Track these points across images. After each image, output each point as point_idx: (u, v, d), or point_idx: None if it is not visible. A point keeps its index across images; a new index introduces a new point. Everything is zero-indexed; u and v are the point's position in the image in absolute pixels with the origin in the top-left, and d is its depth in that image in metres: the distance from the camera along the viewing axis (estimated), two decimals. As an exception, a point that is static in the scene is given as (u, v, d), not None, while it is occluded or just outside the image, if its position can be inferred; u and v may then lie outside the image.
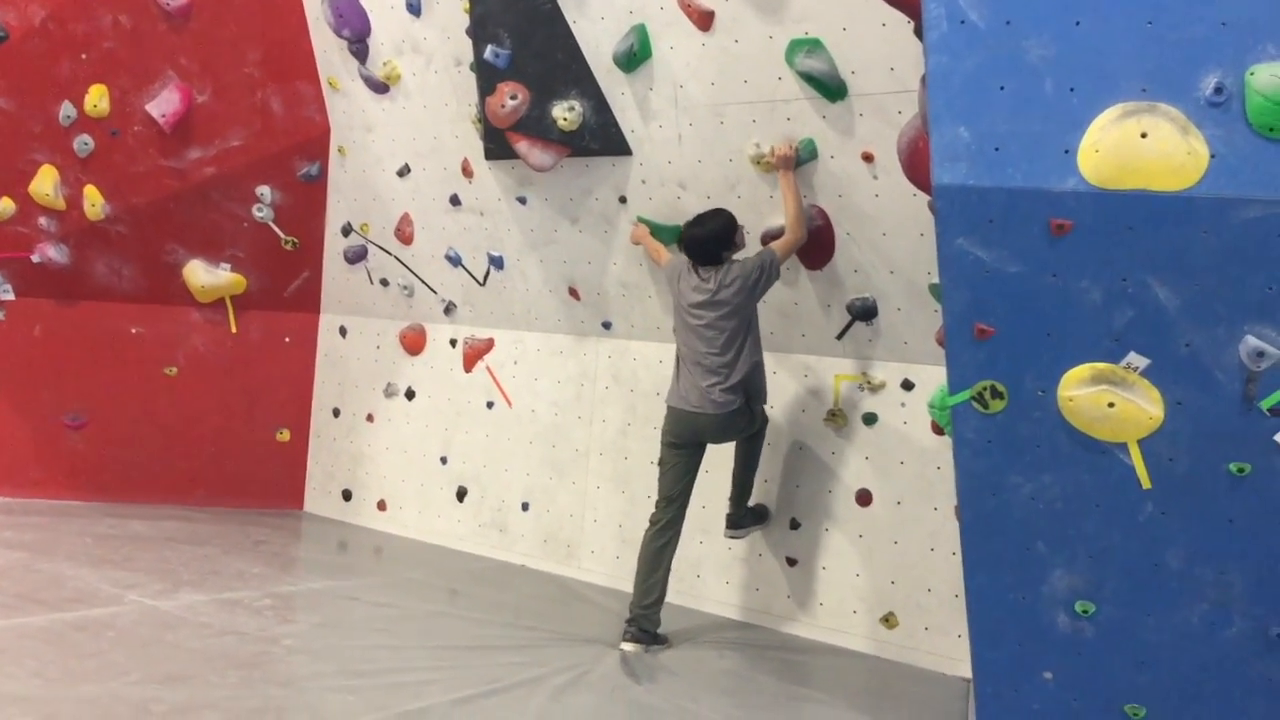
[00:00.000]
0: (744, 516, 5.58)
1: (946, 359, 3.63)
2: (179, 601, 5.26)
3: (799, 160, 5.26)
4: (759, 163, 5.36)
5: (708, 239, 5.24)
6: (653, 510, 5.37)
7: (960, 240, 3.47)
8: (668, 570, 5.27)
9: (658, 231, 5.88)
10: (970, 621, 3.84)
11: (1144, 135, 3.24)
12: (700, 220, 5.33)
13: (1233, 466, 3.37)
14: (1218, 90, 3.18)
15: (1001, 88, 3.40)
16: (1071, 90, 3.33)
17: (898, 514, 5.34)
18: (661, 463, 5.38)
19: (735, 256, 5.27)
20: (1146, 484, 3.47)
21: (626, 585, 6.13)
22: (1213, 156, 3.19)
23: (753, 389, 5.29)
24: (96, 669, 4.24)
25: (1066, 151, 3.33)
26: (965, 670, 4.71)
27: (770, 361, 5.69)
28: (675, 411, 5.31)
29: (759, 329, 5.33)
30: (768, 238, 5.51)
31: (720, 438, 5.35)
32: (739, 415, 5.26)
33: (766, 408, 5.54)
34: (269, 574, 5.99)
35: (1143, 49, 3.26)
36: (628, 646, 5.17)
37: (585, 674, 4.75)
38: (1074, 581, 3.63)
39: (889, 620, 5.33)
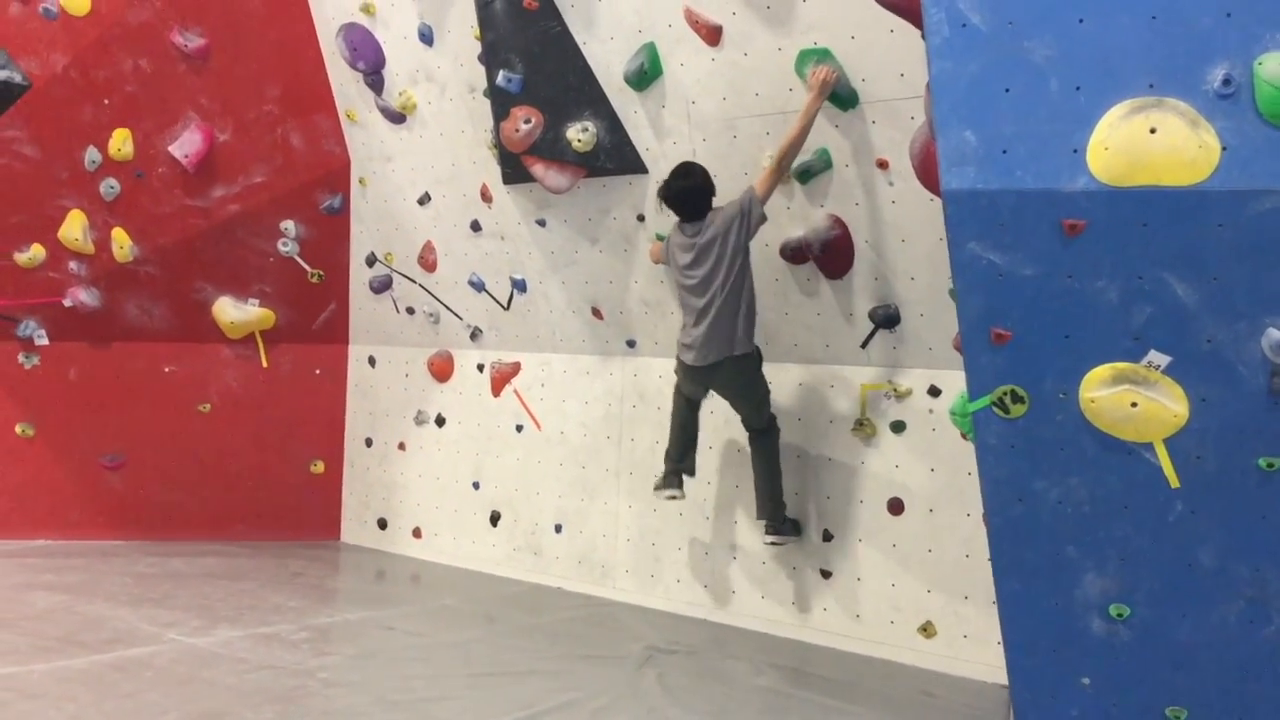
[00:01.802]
0: (783, 522, 5.52)
1: (965, 365, 3.60)
2: (216, 638, 5.30)
3: (810, 171, 5.24)
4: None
5: (696, 191, 5.29)
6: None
7: (972, 245, 3.44)
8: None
9: None
10: (1004, 629, 3.79)
11: (1153, 131, 3.20)
12: (685, 173, 5.33)
13: (1262, 461, 3.31)
14: (1226, 82, 3.13)
15: (1006, 90, 3.37)
16: (1077, 89, 3.29)
17: (931, 522, 5.29)
18: (676, 394, 5.66)
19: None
20: (1175, 483, 3.42)
21: (661, 604, 6.15)
22: (1224, 149, 3.14)
23: (750, 334, 5.34)
24: (133, 710, 4.27)
25: (1075, 151, 3.29)
26: (1005, 678, 4.65)
27: (795, 373, 5.68)
28: (686, 366, 5.44)
29: (751, 276, 5.31)
30: (786, 249, 5.50)
31: (736, 381, 5.44)
32: (752, 361, 5.37)
33: (781, 419, 5.56)
34: (306, 606, 6.02)
35: (1148, 44, 3.22)
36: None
37: (620, 696, 4.73)
38: (1106, 585, 3.58)
39: (927, 630, 5.27)
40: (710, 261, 5.23)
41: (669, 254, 5.49)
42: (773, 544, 5.58)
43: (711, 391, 5.61)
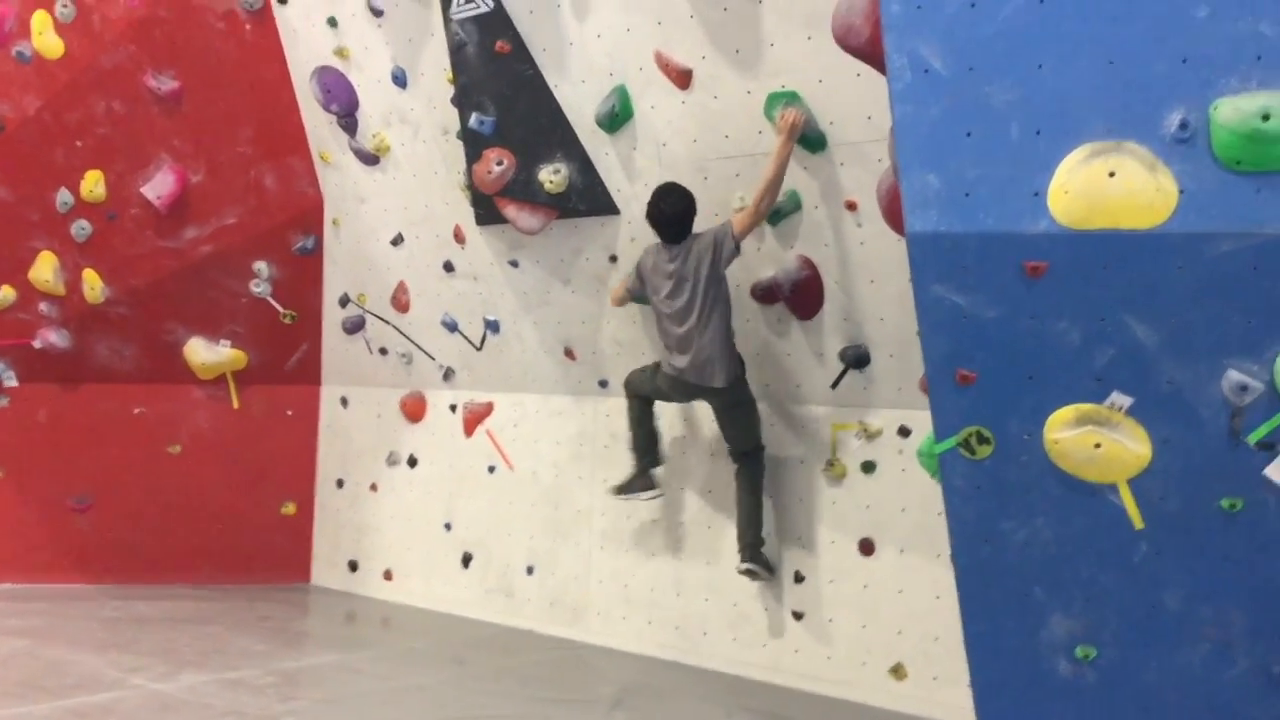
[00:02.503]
0: (759, 555, 5.49)
1: (931, 406, 3.61)
2: (181, 683, 5.23)
3: (780, 212, 5.27)
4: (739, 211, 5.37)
5: (681, 215, 5.34)
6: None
7: (936, 287, 3.47)
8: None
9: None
10: (972, 670, 3.79)
11: (1112, 174, 3.25)
12: (668, 195, 5.36)
13: (1224, 503, 3.33)
14: (1183, 126, 3.18)
15: (968, 134, 3.42)
16: (1038, 133, 3.34)
17: (901, 563, 5.28)
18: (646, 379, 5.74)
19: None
20: (1139, 524, 3.44)
21: (633, 646, 6.10)
22: (1182, 192, 3.19)
23: (735, 357, 5.40)
24: (95, 757, 4.21)
25: (1036, 194, 3.34)
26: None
27: (766, 413, 5.67)
28: (668, 374, 5.48)
29: (729, 302, 5.36)
30: (757, 290, 5.52)
31: (724, 406, 5.51)
32: (737, 387, 5.40)
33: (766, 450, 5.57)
34: (273, 650, 5.95)
35: (1106, 89, 3.28)
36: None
37: (590, 740, 4.69)
38: (1073, 626, 3.58)
39: (898, 671, 5.25)
40: (688, 291, 5.29)
41: (645, 277, 5.51)
42: (745, 573, 5.51)
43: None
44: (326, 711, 4.99)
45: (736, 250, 5.25)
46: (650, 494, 5.83)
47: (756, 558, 5.49)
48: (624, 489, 5.85)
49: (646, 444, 5.84)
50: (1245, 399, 3.22)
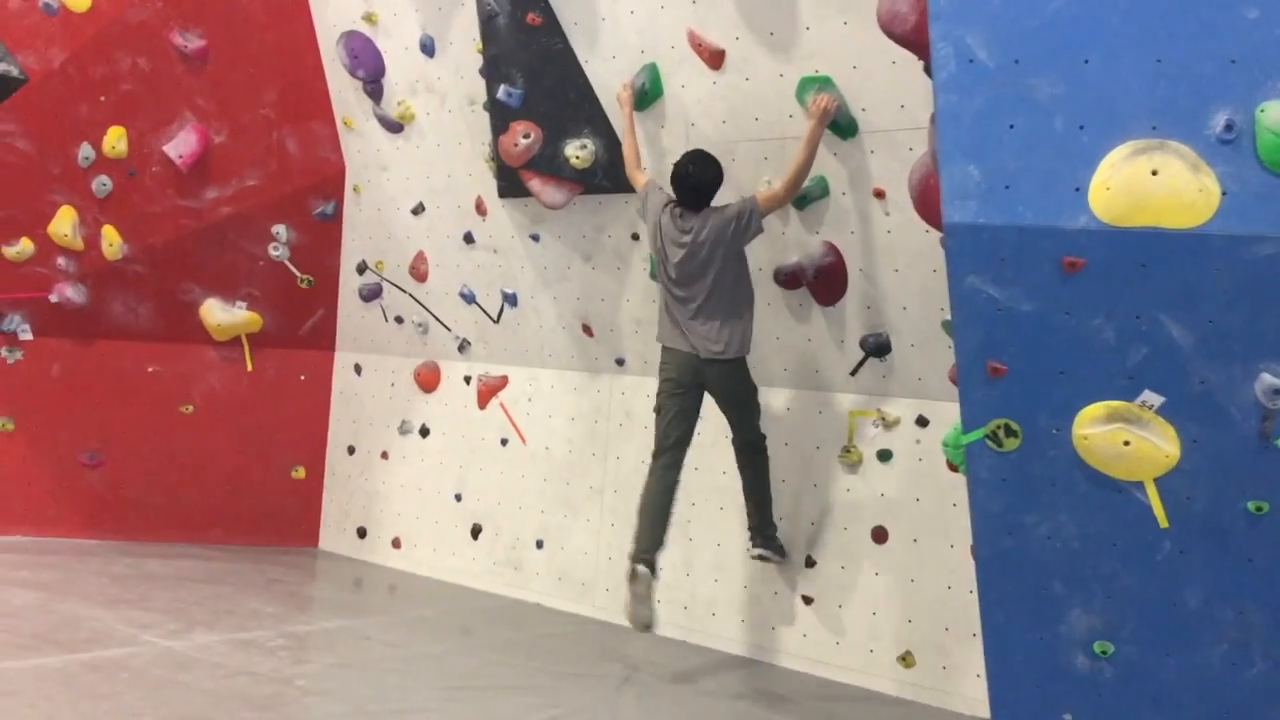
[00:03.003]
0: (771, 539, 5.48)
1: (960, 397, 3.62)
2: (193, 642, 5.26)
3: (807, 197, 5.26)
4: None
5: (708, 183, 5.21)
6: (652, 458, 5.40)
7: (972, 278, 3.47)
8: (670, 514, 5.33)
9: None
10: (988, 662, 3.80)
11: (1155, 173, 3.24)
12: (700, 160, 5.22)
13: (1251, 505, 3.34)
14: (1228, 127, 3.18)
15: (1011, 126, 3.41)
16: (1081, 128, 3.34)
17: (914, 551, 5.30)
18: (660, 410, 5.38)
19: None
20: (1164, 523, 3.45)
21: (641, 623, 6.11)
22: (1224, 194, 3.18)
23: (744, 337, 5.26)
24: (109, 711, 4.23)
25: (1077, 189, 3.33)
26: (984, 710, 4.64)
27: (784, 398, 5.68)
28: (675, 352, 5.32)
29: (749, 277, 5.27)
30: (780, 274, 5.51)
31: (723, 385, 5.32)
32: (739, 366, 5.29)
33: (768, 442, 5.51)
34: (283, 613, 5.98)
35: (1152, 87, 3.27)
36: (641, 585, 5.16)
37: (598, 715, 4.71)
38: (1092, 621, 3.60)
39: (906, 659, 5.27)
40: (699, 262, 5.16)
41: (653, 211, 5.35)
42: (757, 558, 5.54)
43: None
44: (338, 675, 5.02)
45: (760, 228, 5.18)
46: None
47: (769, 544, 5.50)
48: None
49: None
50: (1277, 403, 3.23)
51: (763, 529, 5.52)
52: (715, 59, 5.41)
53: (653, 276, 5.97)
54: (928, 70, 4.42)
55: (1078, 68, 3.34)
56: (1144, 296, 3.31)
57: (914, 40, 4.33)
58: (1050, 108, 3.37)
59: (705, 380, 5.34)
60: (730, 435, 5.58)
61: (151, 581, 6.45)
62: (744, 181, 5.49)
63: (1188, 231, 3.22)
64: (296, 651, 5.31)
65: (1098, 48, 3.32)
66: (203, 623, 5.62)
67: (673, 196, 5.32)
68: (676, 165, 5.28)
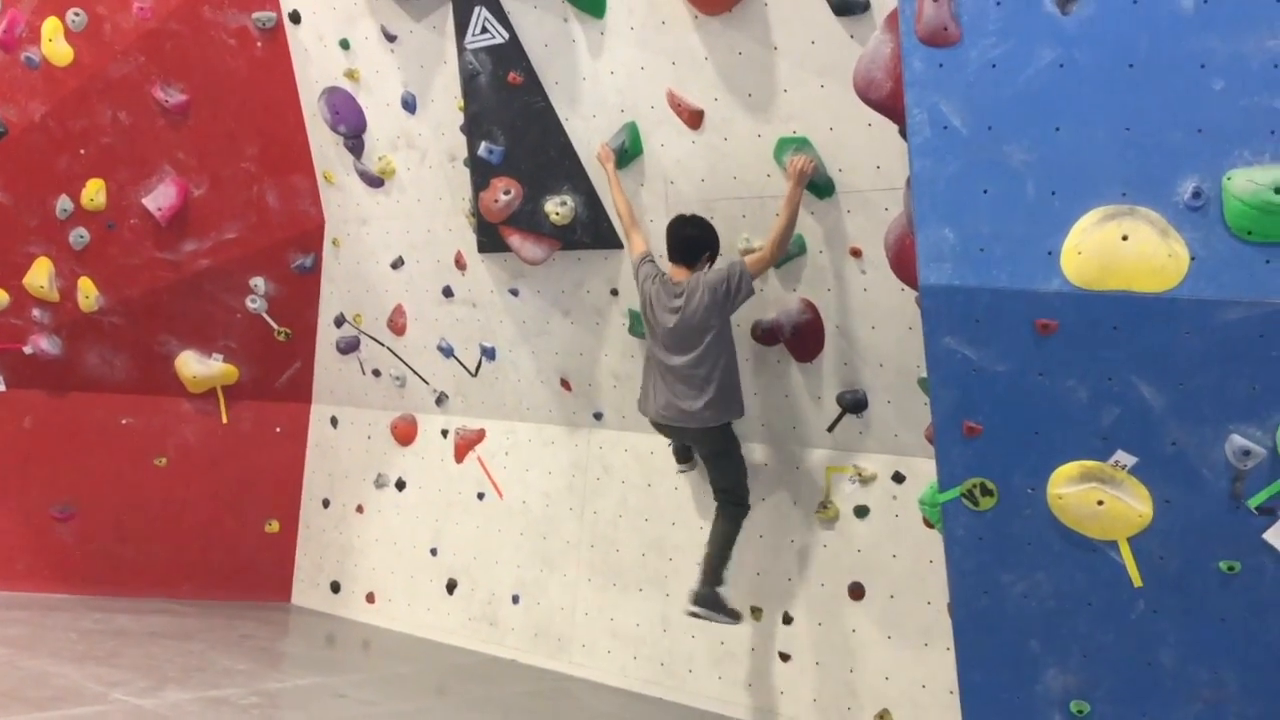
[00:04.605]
0: (714, 597, 5.32)
1: (936, 456, 3.65)
2: (163, 700, 5.19)
3: (788, 255, 5.32)
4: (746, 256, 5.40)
5: (698, 240, 5.34)
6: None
7: (947, 339, 3.52)
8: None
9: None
10: (965, 721, 3.81)
11: (1125, 238, 3.31)
12: (694, 222, 5.38)
13: (1223, 564, 3.38)
14: (1196, 194, 3.25)
15: (985, 191, 3.48)
16: (1053, 193, 3.41)
17: (891, 608, 5.31)
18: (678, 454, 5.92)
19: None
20: (1138, 582, 3.48)
21: (617, 681, 6.09)
22: (1193, 259, 3.26)
23: (731, 401, 5.34)
24: (79, 772, 4.17)
25: (1050, 253, 3.40)
26: (961, 769, 4.65)
27: (761, 453, 5.71)
28: (659, 426, 5.54)
29: (732, 342, 5.33)
30: (758, 330, 5.56)
31: (702, 445, 5.54)
32: (722, 431, 5.40)
33: (752, 498, 5.53)
34: (255, 670, 5.91)
35: (1122, 154, 3.35)
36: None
37: (576, 774, 4.68)
38: (1068, 681, 3.62)
39: (884, 717, 5.26)
40: (694, 329, 5.21)
41: (646, 279, 5.43)
42: (693, 615, 5.36)
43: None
44: (311, 734, 4.97)
45: (751, 290, 5.22)
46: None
47: (708, 602, 5.30)
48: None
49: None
50: (1247, 464, 3.28)
51: (707, 583, 5.33)
52: (694, 119, 5.49)
53: (631, 332, 6.02)
54: (903, 133, 4.50)
55: (1049, 135, 3.42)
56: (1116, 358, 3.37)
57: (889, 106, 4.41)
58: (1023, 173, 3.44)
59: (686, 438, 5.56)
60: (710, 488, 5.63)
61: (121, 637, 6.36)
62: (723, 239, 5.55)
63: (1158, 295, 3.29)
64: (269, 710, 5.24)
65: (1069, 116, 3.40)
66: (174, 680, 5.55)
67: (662, 271, 5.42)
68: (670, 222, 5.46)
